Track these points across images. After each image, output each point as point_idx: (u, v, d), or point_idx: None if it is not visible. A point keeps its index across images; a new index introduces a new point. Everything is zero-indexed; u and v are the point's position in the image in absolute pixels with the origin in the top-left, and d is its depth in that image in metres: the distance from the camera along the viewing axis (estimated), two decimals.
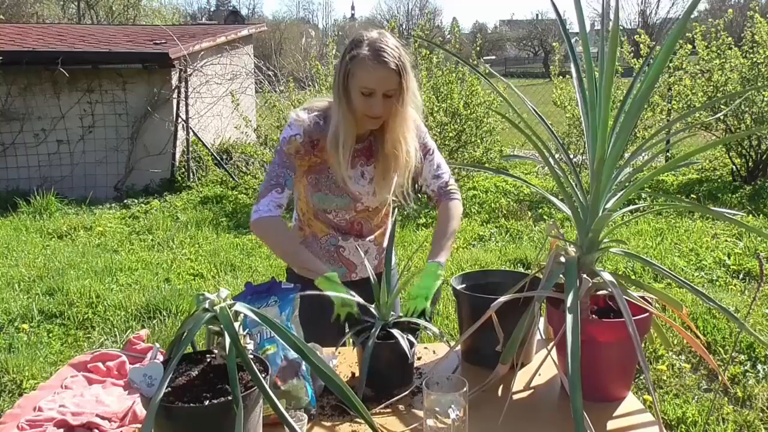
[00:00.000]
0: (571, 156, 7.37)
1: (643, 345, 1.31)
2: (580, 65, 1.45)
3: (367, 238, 1.95)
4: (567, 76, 7.46)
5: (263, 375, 1.11)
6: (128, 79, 7.83)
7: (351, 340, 1.67)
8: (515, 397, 1.49)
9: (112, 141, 7.89)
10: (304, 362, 1.37)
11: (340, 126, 1.73)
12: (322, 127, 1.78)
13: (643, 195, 4.84)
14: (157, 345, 1.68)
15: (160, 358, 1.54)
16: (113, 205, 7.24)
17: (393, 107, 1.72)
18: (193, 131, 8.06)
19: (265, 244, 1.85)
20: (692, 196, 6.82)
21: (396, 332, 1.48)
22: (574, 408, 1.16)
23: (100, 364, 1.67)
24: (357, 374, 1.60)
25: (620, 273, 3.10)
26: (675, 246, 5.15)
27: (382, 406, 1.44)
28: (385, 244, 1.99)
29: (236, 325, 1.09)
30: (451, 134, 6.88)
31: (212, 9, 41.52)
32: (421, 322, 1.58)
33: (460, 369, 1.64)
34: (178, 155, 8.04)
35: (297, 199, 1.94)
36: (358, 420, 1.38)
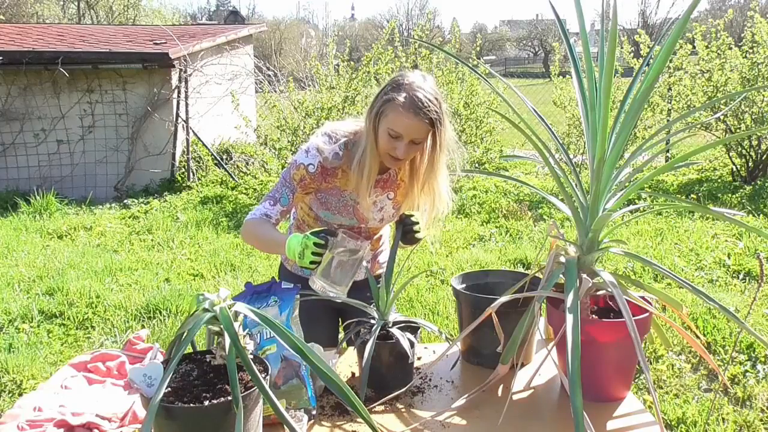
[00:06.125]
0: (571, 156, 7.37)
1: (643, 345, 1.31)
2: (579, 65, 1.45)
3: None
4: (567, 76, 7.46)
5: (263, 375, 1.11)
6: (128, 79, 7.83)
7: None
8: (515, 397, 1.49)
9: (112, 141, 7.89)
10: (304, 362, 1.37)
11: (365, 156, 1.71)
12: (341, 156, 1.75)
13: (643, 195, 4.83)
14: (157, 345, 1.68)
15: (160, 358, 1.54)
16: (113, 205, 7.24)
17: (417, 154, 1.72)
18: (193, 131, 8.06)
19: (246, 242, 1.84)
20: (692, 196, 6.81)
21: (396, 332, 1.48)
22: (574, 408, 1.16)
23: (100, 364, 1.67)
24: (357, 374, 1.60)
25: (620, 273, 3.10)
26: (675, 246, 5.15)
27: (380, 402, 1.44)
28: (378, 250, 2.03)
29: (236, 325, 1.09)
30: None
31: (212, 9, 41.53)
32: (420, 321, 1.59)
33: (459, 365, 1.64)
34: (178, 155, 8.04)
35: (298, 204, 1.91)
36: (358, 420, 1.38)
